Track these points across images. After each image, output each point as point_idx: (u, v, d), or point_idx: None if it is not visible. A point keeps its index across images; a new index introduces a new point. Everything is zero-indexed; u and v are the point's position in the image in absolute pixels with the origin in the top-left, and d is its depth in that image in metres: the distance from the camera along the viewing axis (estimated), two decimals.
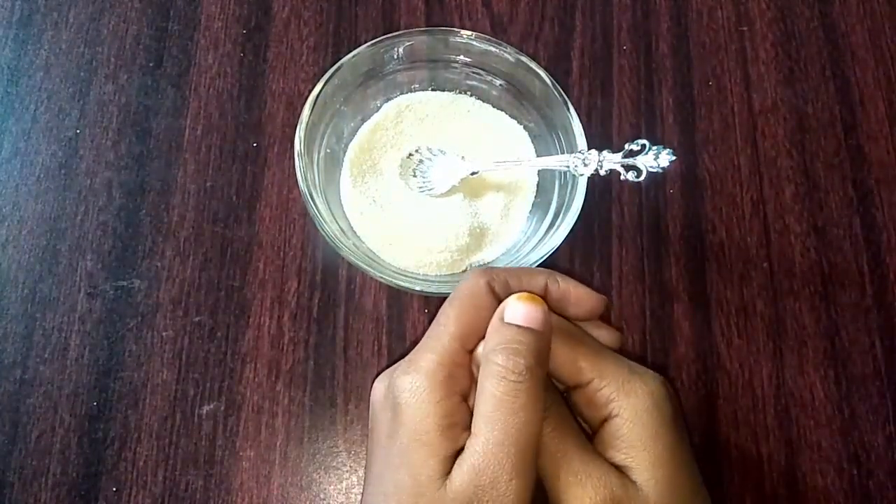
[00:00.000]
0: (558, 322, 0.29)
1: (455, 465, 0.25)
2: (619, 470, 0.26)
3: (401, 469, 0.26)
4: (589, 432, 0.29)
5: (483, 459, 0.24)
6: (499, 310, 0.27)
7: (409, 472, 0.25)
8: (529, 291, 0.29)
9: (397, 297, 0.41)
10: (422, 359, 0.27)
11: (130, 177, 0.43)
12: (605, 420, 0.28)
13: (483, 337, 0.28)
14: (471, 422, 0.26)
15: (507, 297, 0.28)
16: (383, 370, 0.39)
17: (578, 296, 0.30)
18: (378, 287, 0.41)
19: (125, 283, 0.41)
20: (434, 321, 0.28)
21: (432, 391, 0.26)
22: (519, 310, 0.27)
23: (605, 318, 0.32)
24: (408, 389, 0.26)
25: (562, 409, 0.28)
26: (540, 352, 0.26)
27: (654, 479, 0.26)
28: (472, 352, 0.28)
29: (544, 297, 0.29)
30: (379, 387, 0.29)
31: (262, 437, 0.38)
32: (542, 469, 0.26)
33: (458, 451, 0.25)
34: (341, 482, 0.38)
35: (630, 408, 0.27)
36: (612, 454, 0.27)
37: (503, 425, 0.25)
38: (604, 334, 0.31)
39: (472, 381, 0.27)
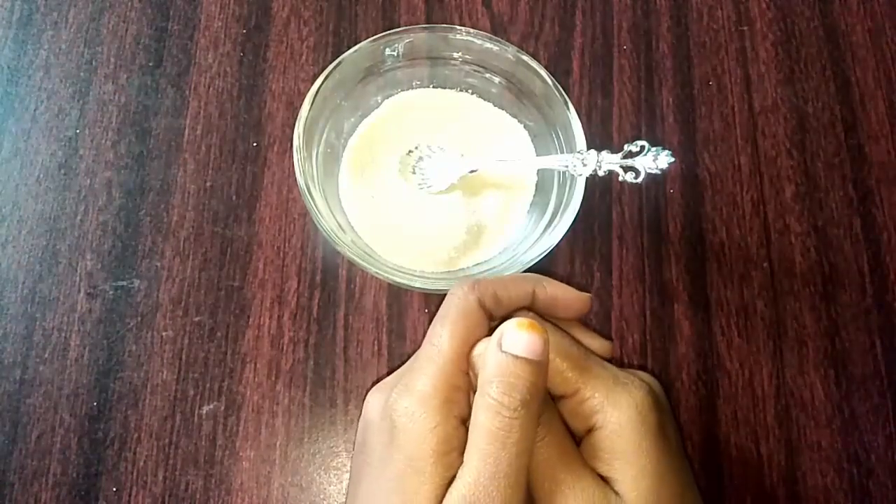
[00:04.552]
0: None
1: (447, 495, 0.25)
2: (604, 480, 0.26)
3: (393, 495, 0.25)
4: (576, 439, 0.29)
5: (473, 492, 0.24)
6: (496, 335, 0.26)
7: (401, 498, 0.25)
8: (519, 308, 0.29)
9: (397, 297, 0.41)
10: (418, 381, 0.26)
11: (130, 177, 0.43)
12: (590, 431, 0.27)
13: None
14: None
15: (496, 309, 0.28)
16: (384, 372, 0.39)
17: (566, 299, 0.30)
18: (378, 287, 0.41)
19: (125, 283, 0.41)
20: (426, 340, 0.28)
21: (429, 417, 0.25)
22: (519, 339, 0.25)
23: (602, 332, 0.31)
24: (404, 414, 0.26)
25: (552, 416, 0.27)
26: (537, 384, 0.25)
27: (636, 491, 0.26)
28: (467, 373, 0.27)
29: (532, 303, 0.29)
30: (374, 402, 0.28)
31: (262, 437, 0.38)
32: (529, 478, 0.26)
33: (453, 477, 0.25)
34: (341, 482, 0.38)
35: (614, 420, 0.27)
36: (596, 464, 0.27)
37: (494, 459, 0.24)
38: (595, 344, 0.31)
39: (470, 404, 0.27)
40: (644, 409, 0.27)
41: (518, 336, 0.25)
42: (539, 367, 0.25)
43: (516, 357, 0.25)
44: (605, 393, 0.27)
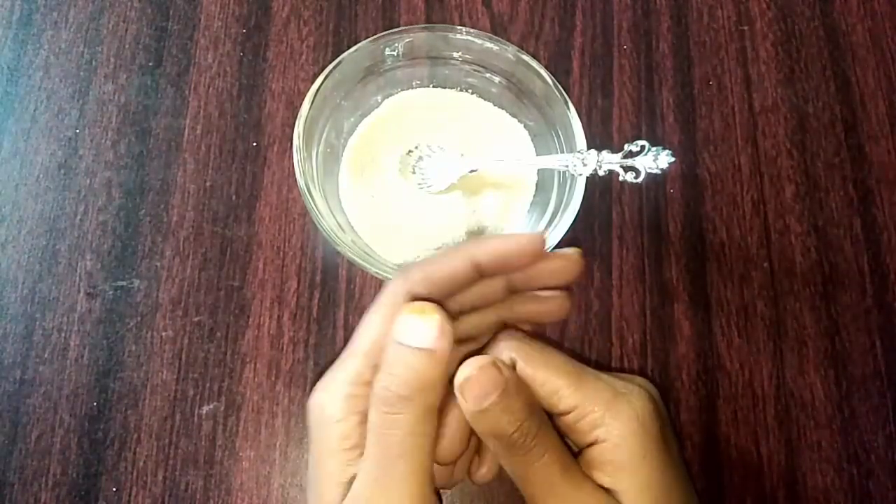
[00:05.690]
0: (532, 349, 0.27)
1: (347, 496, 0.24)
2: (607, 492, 0.26)
3: (310, 486, 0.26)
4: (574, 450, 0.28)
5: (360, 492, 0.23)
6: (393, 325, 0.24)
7: (314, 491, 0.25)
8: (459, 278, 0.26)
9: None
10: (331, 377, 0.26)
11: (130, 177, 0.43)
12: (591, 444, 0.27)
13: None
14: None
15: (439, 291, 0.26)
16: None
17: (513, 249, 0.26)
18: (378, 286, 0.41)
19: (125, 283, 0.41)
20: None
21: (332, 412, 0.25)
22: (406, 325, 0.23)
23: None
24: (314, 408, 0.26)
25: (549, 433, 0.27)
26: (423, 377, 0.23)
27: (641, 502, 0.26)
28: None
29: (482, 272, 0.26)
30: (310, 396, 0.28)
31: (262, 437, 0.38)
32: (531, 496, 0.26)
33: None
34: None
35: (616, 432, 0.26)
36: (599, 476, 0.26)
37: (377, 461, 0.23)
38: (557, 264, 0.27)
39: None
40: (645, 419, 0.27)
41: (406, 322, 0.24)
42: (429, 356, 0.23)
43: (400, 345, 0.23)
44: (605, 406, 0.27)
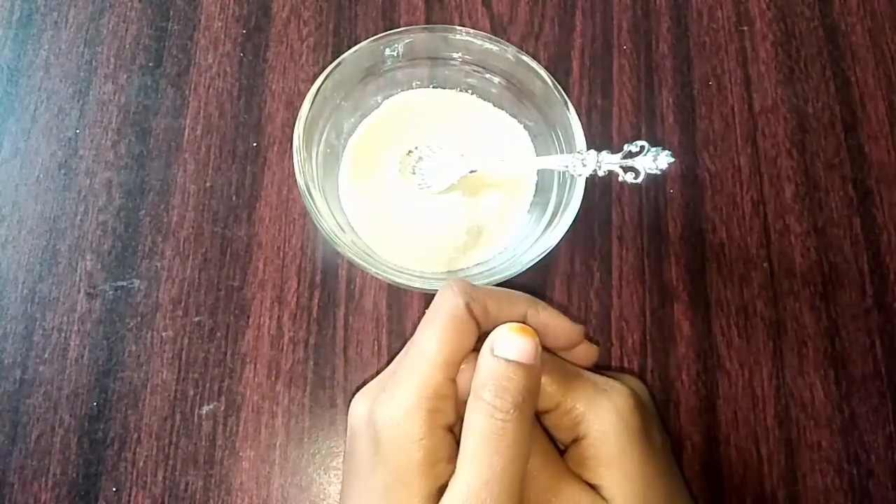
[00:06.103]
0: None
1: None
2: (591, 487, 0.26)
3: None
4: (560, 448, 0.29)
5: (465, 500, 0.23)
6: (489, 340, 0.26)
7: None
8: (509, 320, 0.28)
9: (397, 297, 0.41)
10: (404, 390, 0.26)
11: (130, 177, 0.43)
12: (575, 440, 0.28)
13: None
14: (456, 455, 0.25)
15: (484, 320, 0.28)
16: (383, 369, 0.39)
17: (557, 328, 0.29)
18: (378, 287, 0.41)
19: (125, 284, 0.41)
20: (413, 343, 0.27)
21: (415, 428, 0.25)
22: (511, 343, 0.26)
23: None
24: (388, 426, 0.25)
25: (534, 428, 0.27)
26: (530, 388, 0.25)
27: (623, 495, 0.26)
28: (454, 380, 0.27)
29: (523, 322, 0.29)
30: (359, 409, 0.28)
31: (262, 437, 0.38)
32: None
33: (443, 487, 0.25)
34: (341, 482, 0.38)
35: (597, 428, 0.27)
36: (582, 472, 0.27)
37: (488, 464, 0.24)
38: (581, 349, 0.31)
39: (457, 411, 0.27)
40: (626, 414, 0.27)
41: (510, 340, 0.26)
42: (531, 370, 0.26)
43: (508, 361, 0.25)
44: (586, 402, 0.27)
